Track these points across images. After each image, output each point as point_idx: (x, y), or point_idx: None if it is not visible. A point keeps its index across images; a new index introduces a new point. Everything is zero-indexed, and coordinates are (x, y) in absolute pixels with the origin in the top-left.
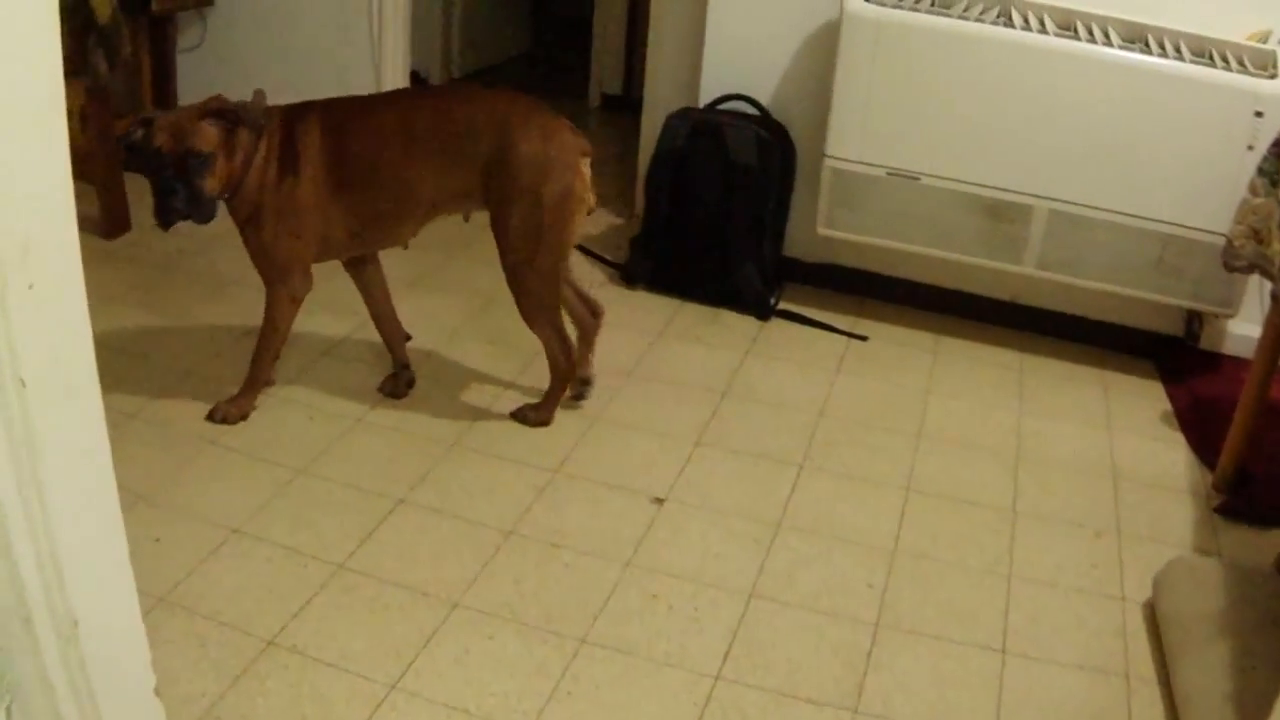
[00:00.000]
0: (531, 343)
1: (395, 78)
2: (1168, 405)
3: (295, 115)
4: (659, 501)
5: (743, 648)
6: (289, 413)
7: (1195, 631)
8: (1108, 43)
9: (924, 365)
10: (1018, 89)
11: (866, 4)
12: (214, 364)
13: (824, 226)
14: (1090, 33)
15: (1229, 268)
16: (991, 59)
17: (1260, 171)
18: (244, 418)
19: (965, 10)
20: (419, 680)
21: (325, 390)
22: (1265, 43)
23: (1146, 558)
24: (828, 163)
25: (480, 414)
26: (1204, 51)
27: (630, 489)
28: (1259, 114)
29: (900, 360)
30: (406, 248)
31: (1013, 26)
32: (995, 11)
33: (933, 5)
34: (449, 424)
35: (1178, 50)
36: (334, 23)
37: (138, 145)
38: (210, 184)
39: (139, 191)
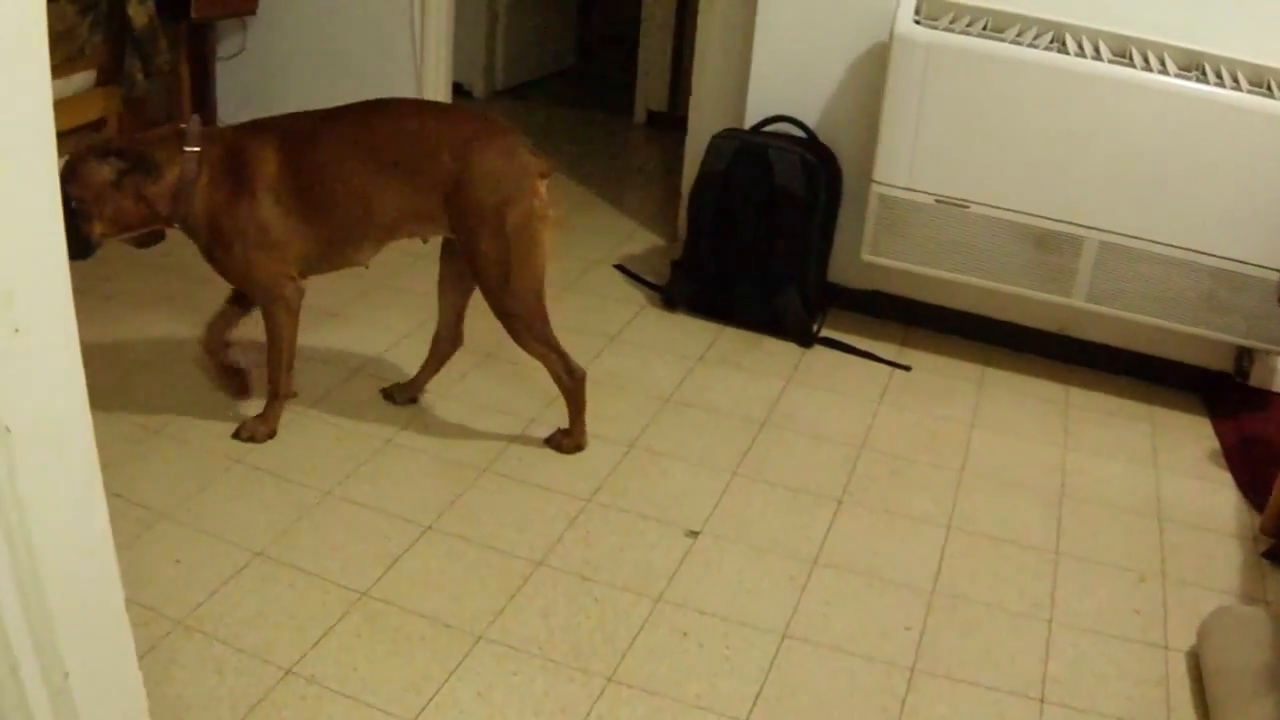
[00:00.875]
0: None
1: (437, 89)
2: (1215, 443)
3: (245, 135)
4: (693, 534)
5: (774, 690)
6: (318, 432)
7: (1241, 686)
8: (1163, 71)
9: (968, 397)
10: (1070, 117)
11: (917, 26)
12: None
13: (869, 253)
14: (1146, 60)
15: None
16: (1044, 85)
17: None
18: (272, 435)
19: (1019, 34)
20: (439, 716)
21: (355, 409)
22: None
23: (1191, 603)
24: (875, 188)
25: (514, 438)
26: (1262, 81)
27: (664, 520)
28: None
29: (944, 391)
30: (367, 267)
31: (1066, 52)
32: (1049, 36)
33: (985, 29)
34: (481, 448)
35: (1235, 80)
36: (376, 33)
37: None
38: (92, 227)
39: None
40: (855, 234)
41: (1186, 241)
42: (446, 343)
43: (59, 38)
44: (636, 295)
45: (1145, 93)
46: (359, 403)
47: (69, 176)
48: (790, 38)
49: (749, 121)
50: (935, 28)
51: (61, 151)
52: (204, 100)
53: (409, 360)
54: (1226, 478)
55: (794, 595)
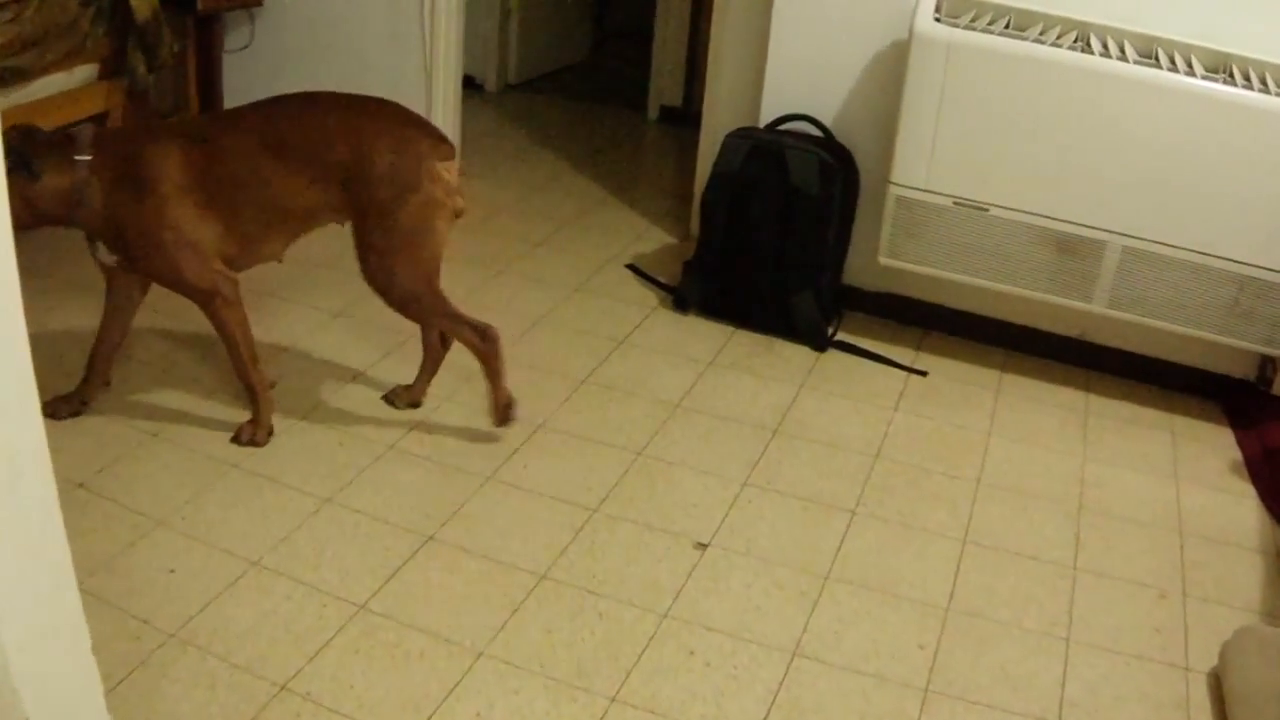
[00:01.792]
0: (578, 371)
1: (447, 82)
2: (1237, 453)
3: (144, 139)
4: (702, 547)
5: (782, 712)
6: (319, 437)
7: (1264, 710)
8: (1190, 72)
9: (985, 404)
10: (1093, 118)
11: (937, 24)
12: None
13: (886, 256)
14: (1172, 61)
15: None
16: (1067, 86)
17: None
18: (270, 434)
19: (1042, 33)
20: None
21: (358, 415)
22: None
23: (1212, 621)
24: (892, 190)
25: (518, 446)
26: None
27: (672, 532)
28: None
29: (961, 398)
30: (281, 261)
31: (1091, 52)
32: (1073, 35)
33: (1007, 27)
34: (485, 454)
35: (1263, 82)
36: (385, 26)
37: None
38: None
39: None
40: (872, 236)
41: (1211, 247)
42: (437, 343)
43: (61, 31)
44: (648, 296)
45: (1171, 95)
46: (360, 407)
47: None
48: (807, 34)
49: (764, 119)
50: (956, 26)
51: None
52: (211, 93)
53: (412, 364)
54: (1249, 490)
55: (805, 612)
